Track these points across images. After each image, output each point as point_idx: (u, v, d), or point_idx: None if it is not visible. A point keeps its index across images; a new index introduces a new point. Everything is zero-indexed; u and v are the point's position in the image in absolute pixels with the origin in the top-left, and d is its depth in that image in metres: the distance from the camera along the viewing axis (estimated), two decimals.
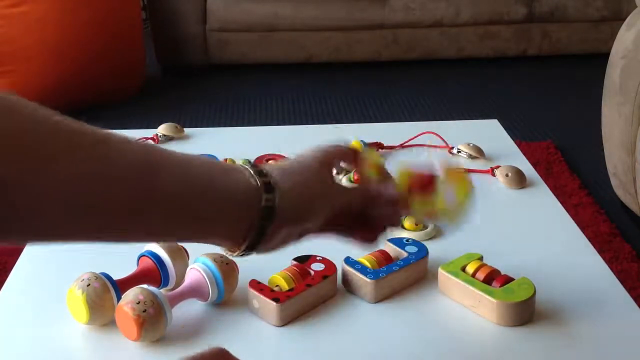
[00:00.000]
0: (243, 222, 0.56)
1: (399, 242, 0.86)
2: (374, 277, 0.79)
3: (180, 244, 0.82)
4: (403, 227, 0.93)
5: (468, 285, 0.77)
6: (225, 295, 0.78)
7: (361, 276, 0.80)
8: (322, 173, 0.65)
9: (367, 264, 0.82)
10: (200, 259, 0.79)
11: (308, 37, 3.08)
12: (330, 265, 0.81)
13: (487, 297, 0.76)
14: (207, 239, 0.58)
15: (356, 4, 3.05)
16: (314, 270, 0.80)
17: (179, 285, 0.78)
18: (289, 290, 0.77)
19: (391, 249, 0.85)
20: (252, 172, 0.57)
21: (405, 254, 0.84)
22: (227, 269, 0.78)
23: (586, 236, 0.93)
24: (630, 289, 0.91)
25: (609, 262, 1.64)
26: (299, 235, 0.62)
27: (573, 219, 0.97)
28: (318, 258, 0.82)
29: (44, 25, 2.49)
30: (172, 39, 3.06)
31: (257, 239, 0.57)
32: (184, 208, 0.54)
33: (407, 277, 0.82)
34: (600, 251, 0.92)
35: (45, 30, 2.50)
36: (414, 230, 0.92)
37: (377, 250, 0.84)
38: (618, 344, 0.74)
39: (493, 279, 0.78)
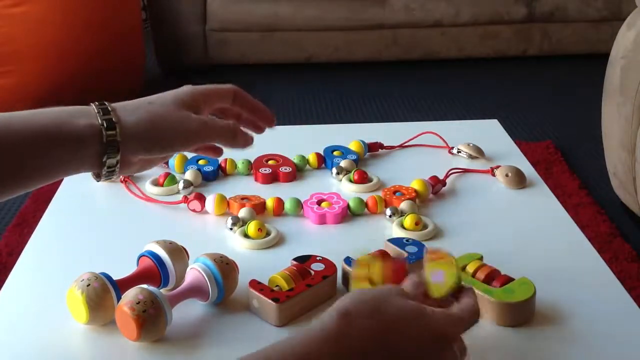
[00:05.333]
0: (92, 157, 0.67)
1: (398, 242, 0.86)
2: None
3: (178, 243, 0.82)
4: (402, 227, 0.93)
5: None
6: (225, 295, 0.78)
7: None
8: (173, 108, 0.73)
9: None
10: (200, 259, 0.79)
11: (308, 37, 3.09)
12: (330, 265, 0.81)
13: (487, 297, 0.76)
14: (65, 173, 0.69)
15: (356, 4, 3.05)
16: (314, 270, 0.80)
17: (179, 285, 0.78)
18: (289, 290, 0.77)
19: (391, 248, 0.85)
20: (97, 111, 0.67)
21: (405, 254, 0.84)
22: (227, 269, 0.78)
23: (586, 236, 0.93)
24: (630, 289, 0.91)
25: (609, 262, 1.64)
26: (161, 159, 0.78)
27: (573, 219, 0.97)
28: (318, 258, 0.82)
29: (44, 25, 2.50)
30: (172, 39, 3.06)
31: (110, 167, 0.68)
32: (36, 150, 0.65)
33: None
34: (600, 251, 0.92)
35: (46, 30, 2.50)
36: (414, 230, 0.92)
37: (377, 251, 0.84)
38: (618, 344, 0.74)
39: (493, 279, 0.78)
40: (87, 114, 0.67)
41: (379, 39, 3.11)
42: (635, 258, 1.74)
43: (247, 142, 0.77)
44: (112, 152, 0.67)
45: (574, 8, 3.11)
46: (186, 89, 0.79)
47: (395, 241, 0.86)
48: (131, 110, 0.70)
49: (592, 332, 0.75)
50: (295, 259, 0.82)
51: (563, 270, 0.85)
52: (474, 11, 3.09)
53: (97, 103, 0.68)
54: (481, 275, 0.79)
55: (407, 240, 0.87)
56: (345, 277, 0.82)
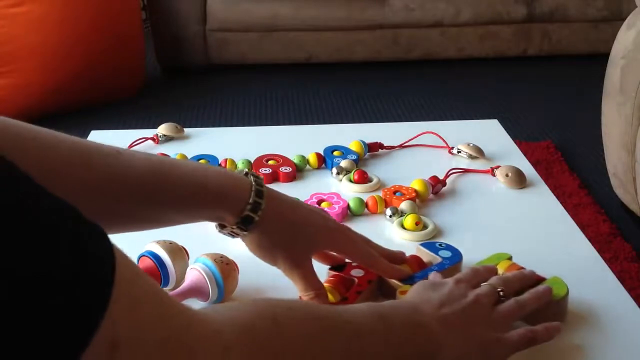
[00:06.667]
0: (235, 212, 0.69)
1: (432, 247, 0.84)
2: (410, 282, 0.77)
3: (178, 243, 0.82)
4: (402, 227, 0.93)
5: None
6: (225, 295, 0.78)
7: (397, 282, 0.78)
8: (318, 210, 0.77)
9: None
10: (200, 259, 0.79)
11: (308, 37, 3.09)
12: (368, 270, 0.79)
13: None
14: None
15: (356, 4, 3.05)
16: (357, 277, 0.78)
17: (179, 285, 0.78)
18: (343, 299, 0.75)
19: (424, 253, 0.84)
20: (252, 181, 0.70)
21: (439, 259, 0.82)
22: (227, 269, 0.78)
23: (586, 236, 0.93)
24: (630, 289, 0.91)
25: (609, 262, 1.64)
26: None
27: (573, 219, 0.97)
28: (353, 264, 0.80)
29: (44, 25, 2.50)
30: (172, 39, 3.06)
31: (247, 220, 0.69)
32: (180, 213, 0.69)
33: None
34: (600, 251, 0.92)
35: (46, 30, 2.50)
36: (414, 230, 0.92)
37: (410, 256, 0.83)
38: (618, 344, 0.74)
39: None
40: (238, 200, 0.69)
41: (379, 39, 3.11)
42: (635, 258, 1.74)
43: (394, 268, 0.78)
44: (245, 227, 0.70)
45: (574, 8, 3.11)
46: (331, 234, 0.76)
47: (428, 245, 0.85)
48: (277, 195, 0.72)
49: (592, 333, 0.75)
50: (331, 269, 0.80)
51: (563, 270, 0.85)
52: (474, 11, 3.09)
53: (254, 191, 0.69)
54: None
55: (441, 245, 0.85)
56: (381, 283, 0.79)
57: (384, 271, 0.77)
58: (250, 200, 0.68)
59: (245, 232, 0.70)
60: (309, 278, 0.73)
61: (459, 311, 0.64)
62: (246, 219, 0.69)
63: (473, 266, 0.72)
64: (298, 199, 0.75)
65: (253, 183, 0.69)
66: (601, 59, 1.98)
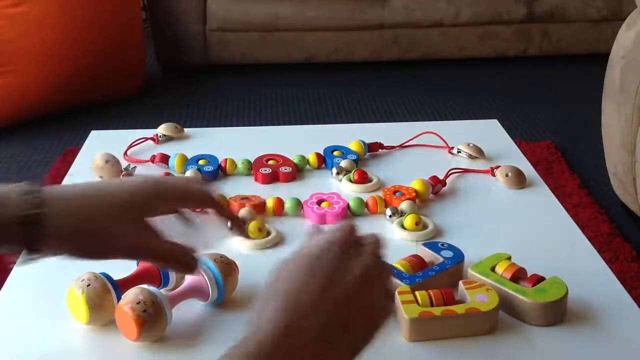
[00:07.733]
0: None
1: (434, 247, 0.84)
2: (411, 282, 0.78)
3: None
4: (402, 227, 0.93)
5: (499, 285, 0.77)
6: (225, 295, 0.78)
7: (397, 281, 0.78)
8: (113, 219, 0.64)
9: (402, 269, 0.80)
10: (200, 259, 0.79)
11: (308, 37, 3.08)
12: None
13: (520, 297, 0.75)
14: None
15: (356, 4, 3.05)
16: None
17: (179, 285, 0.78)
18: None
19: (426, 253, 0.84)
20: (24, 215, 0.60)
21: (441, 259, 0.82)
22: (227, 269, 0.78)
23: (586, 236, 0.93)
24: (630, 289, 0.91)
25: (609, 262, 1.64)
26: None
27: (573, 219, 0.97)
28: None
29: (43, 25, 2.49)
30: (172, 39, 3.06)
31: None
32: None
33: (443, 282, 0.79)
34: (600, 251, 0.92)
35: (45, 30, 2.50)
36: (414, 230, 0.92)
37: (411, 255, 0.83)
38: (618, 344, 0.74)
39: (519, 278, 0.78)
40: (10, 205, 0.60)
41: (379, 39, 3.11)
42: (635, 258, 1.74)
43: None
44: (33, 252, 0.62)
45: (574, 8, 3.11)
46: (150, 185, 0.67)
47: (431, 245, 0.85)
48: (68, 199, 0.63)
49: (592, 333, 0.75)
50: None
51: (563, 270, 0.85)
52: (474, 11, 3.09)
53: (25, 199, 0.60)
54: (507, 274, 0.78)
55: (443, 244, 0.85)
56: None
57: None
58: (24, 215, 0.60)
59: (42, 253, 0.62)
60: (156, 249, 0.67)
61: (342, 307, 0.55)
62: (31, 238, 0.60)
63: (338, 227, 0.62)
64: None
65: (23, 200, 0.61)
66: (601, 59, 1.98)
